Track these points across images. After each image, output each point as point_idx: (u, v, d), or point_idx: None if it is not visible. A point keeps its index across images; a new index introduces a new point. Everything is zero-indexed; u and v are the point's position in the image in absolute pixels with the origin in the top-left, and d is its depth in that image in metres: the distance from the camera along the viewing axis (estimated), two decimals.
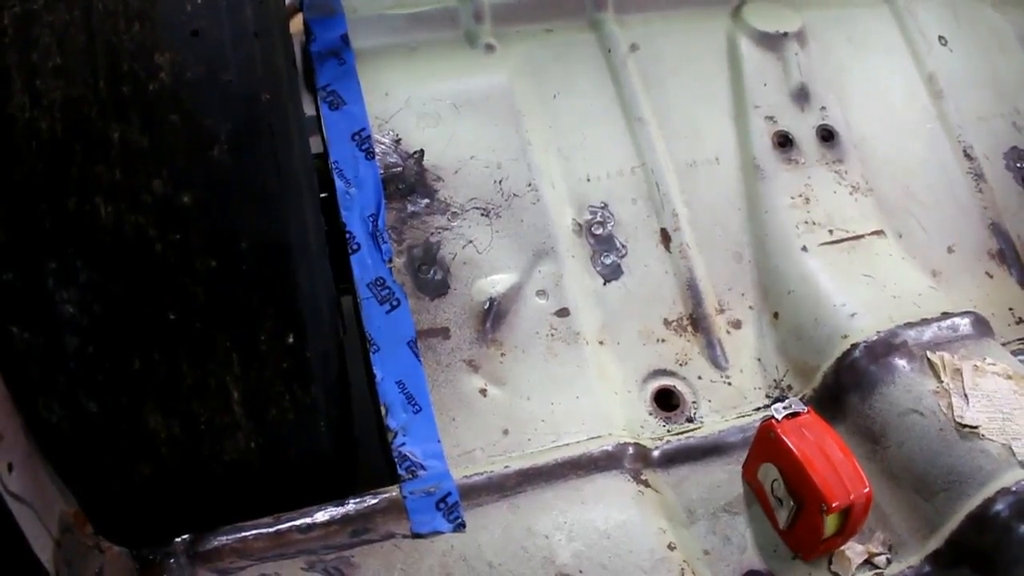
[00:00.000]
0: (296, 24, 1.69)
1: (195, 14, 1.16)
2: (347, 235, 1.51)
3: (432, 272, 1.55)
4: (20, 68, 1.10)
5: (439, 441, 1.41)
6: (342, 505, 1.32)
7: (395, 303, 1.49)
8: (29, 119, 1.10)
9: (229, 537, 1.26)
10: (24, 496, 1.07)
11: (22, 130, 1.10)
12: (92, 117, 1.11)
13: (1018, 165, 1.95)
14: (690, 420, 1.54)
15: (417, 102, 1.66)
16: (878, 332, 1.48)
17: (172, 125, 1.14)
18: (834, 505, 1.22)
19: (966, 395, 1.38)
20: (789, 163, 1.75)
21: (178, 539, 1.25)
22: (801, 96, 1.82)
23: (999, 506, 1.25)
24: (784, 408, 1.32)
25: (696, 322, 1.64)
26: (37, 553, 1.06)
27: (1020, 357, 1.57)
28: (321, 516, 1.30)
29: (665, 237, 1.68)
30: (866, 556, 1.32)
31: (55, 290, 1.13)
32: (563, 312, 1.58)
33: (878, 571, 1.30)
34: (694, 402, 1.56)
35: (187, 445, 1.24)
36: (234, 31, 1.18)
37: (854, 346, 1.48)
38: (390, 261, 1.52)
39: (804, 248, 1.66)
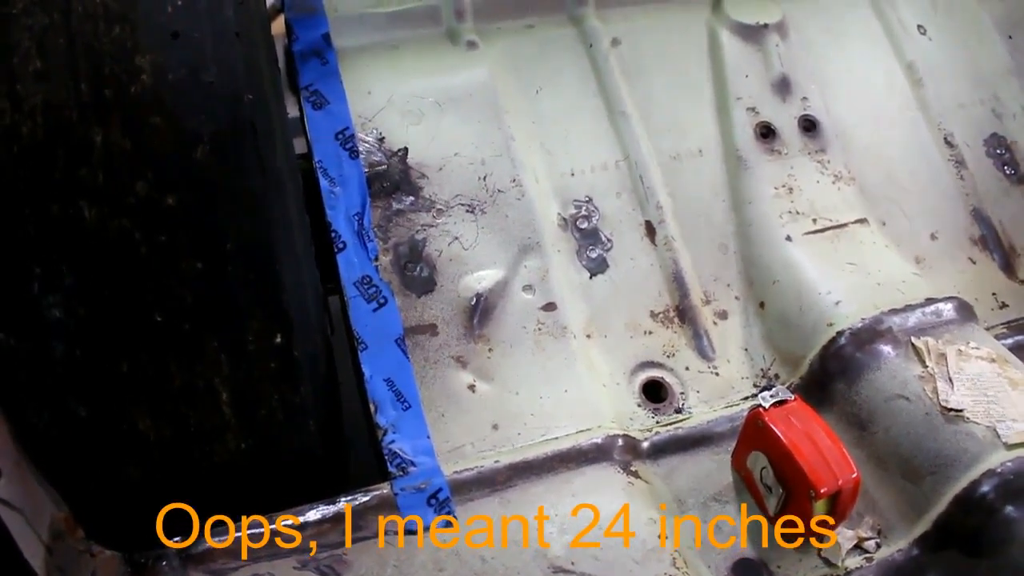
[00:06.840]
0: (279, 26, 1.69)
1: (175, 16, 1.16)
2: (333, 234, 1.51)
3: (418, 269, 1.55)
4: (0, 73, 1.10)
5: (429, 437, 1.42)
6: (333, 503, 1.32)
7: (382, 301, 1.49)
8: (10, 124, 1.09)
9: (221, 538, 1.26)
10: (14, 502, 1.07)
11: (3, 135, 1.09)
12: (74, 121, 1.11)
13: (998, 151, 1.96)
14: (678, 411, 1.54)
15: (400, 100, 1.66)
16: (863, 319, 1.49)
17: (155, 127, 1.13)
18: (822, 491, 1.23)
19: (951, 379, 1.39)
20: (772, 154, 1.76)
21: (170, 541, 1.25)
22: (783, 87, 1.82)
23: (985, 488, 1.26)
24: (771, 396, 1.32)
25: (683, 313, 1.64)
26: (28, 559, 1.06)
27: (1003, 341, 1.58)
28: (313, 515, 1.30)
29: (650, 230, 1.69)
30: (856, 541, 1.33)
31: (41, 295, 1.12)
32: (550, 306, 1.58)
33: (868, 555, 1.31)
34: (682, 393, 1.57)
35: (177, 447, 1.24)
36: (215, 32, 1.18)
37: (839, 333, 1.49)
38: (376, 259, 1.52)
39: (788, 238, 1.67)
